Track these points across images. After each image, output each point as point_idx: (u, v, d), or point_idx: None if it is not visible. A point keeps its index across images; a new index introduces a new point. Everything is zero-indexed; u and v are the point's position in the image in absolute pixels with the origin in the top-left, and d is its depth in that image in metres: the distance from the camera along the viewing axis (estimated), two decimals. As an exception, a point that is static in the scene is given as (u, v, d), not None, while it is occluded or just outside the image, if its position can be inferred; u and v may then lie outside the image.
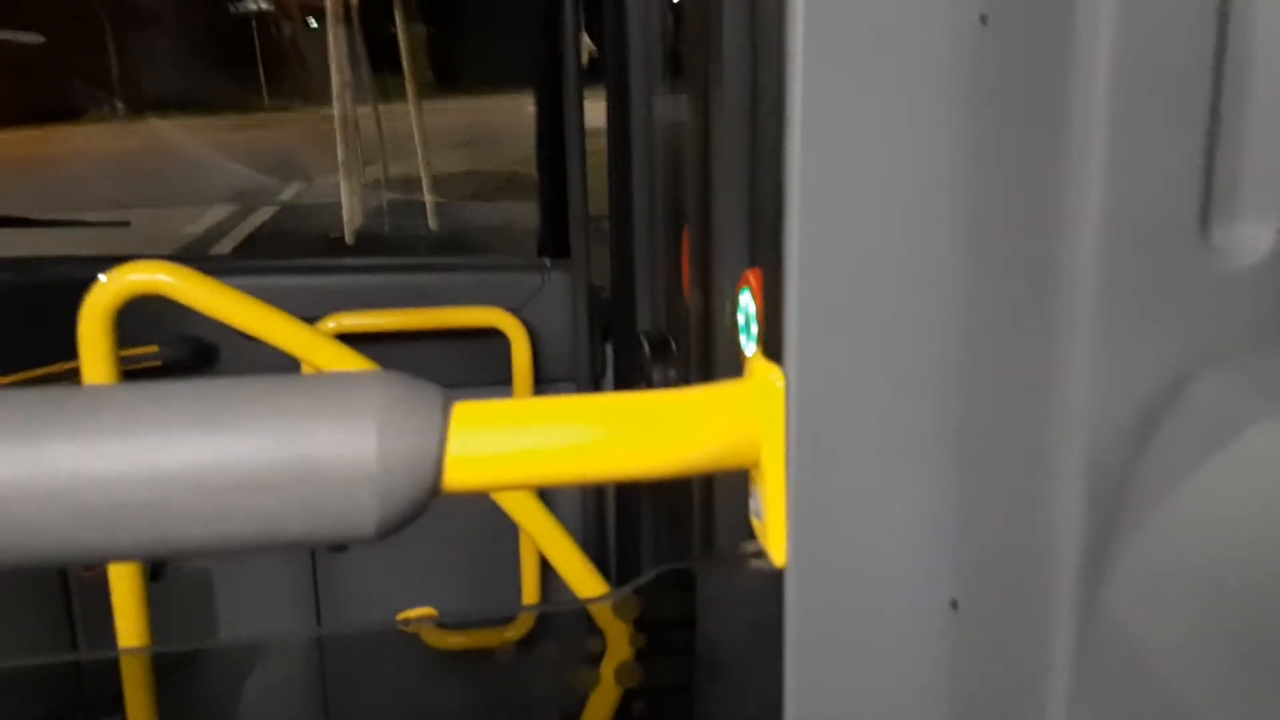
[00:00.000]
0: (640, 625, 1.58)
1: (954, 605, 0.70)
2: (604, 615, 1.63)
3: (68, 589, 2.29)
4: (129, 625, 1.70)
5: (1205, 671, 0.55)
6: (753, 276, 1.17)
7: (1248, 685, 0.53)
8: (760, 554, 0.71)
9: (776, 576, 0.69)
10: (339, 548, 2.39)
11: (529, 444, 0.64)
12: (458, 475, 0.62)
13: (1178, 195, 0.55)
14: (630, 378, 2.14)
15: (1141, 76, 0.54)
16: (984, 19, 0.62)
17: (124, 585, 1.68)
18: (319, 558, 2.46)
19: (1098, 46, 0.53)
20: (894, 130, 0.63)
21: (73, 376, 1.60)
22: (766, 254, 0.70)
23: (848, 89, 0.62)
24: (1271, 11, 0.55)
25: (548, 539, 1.74)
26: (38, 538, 0.57)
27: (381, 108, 11.11)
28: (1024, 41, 0.59)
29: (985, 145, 0.63)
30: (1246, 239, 0.56)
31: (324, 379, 0.62)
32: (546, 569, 2.15)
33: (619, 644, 1.56)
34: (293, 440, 0.58)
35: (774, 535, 0.69)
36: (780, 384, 0.66)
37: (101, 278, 1.54)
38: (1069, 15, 0.54)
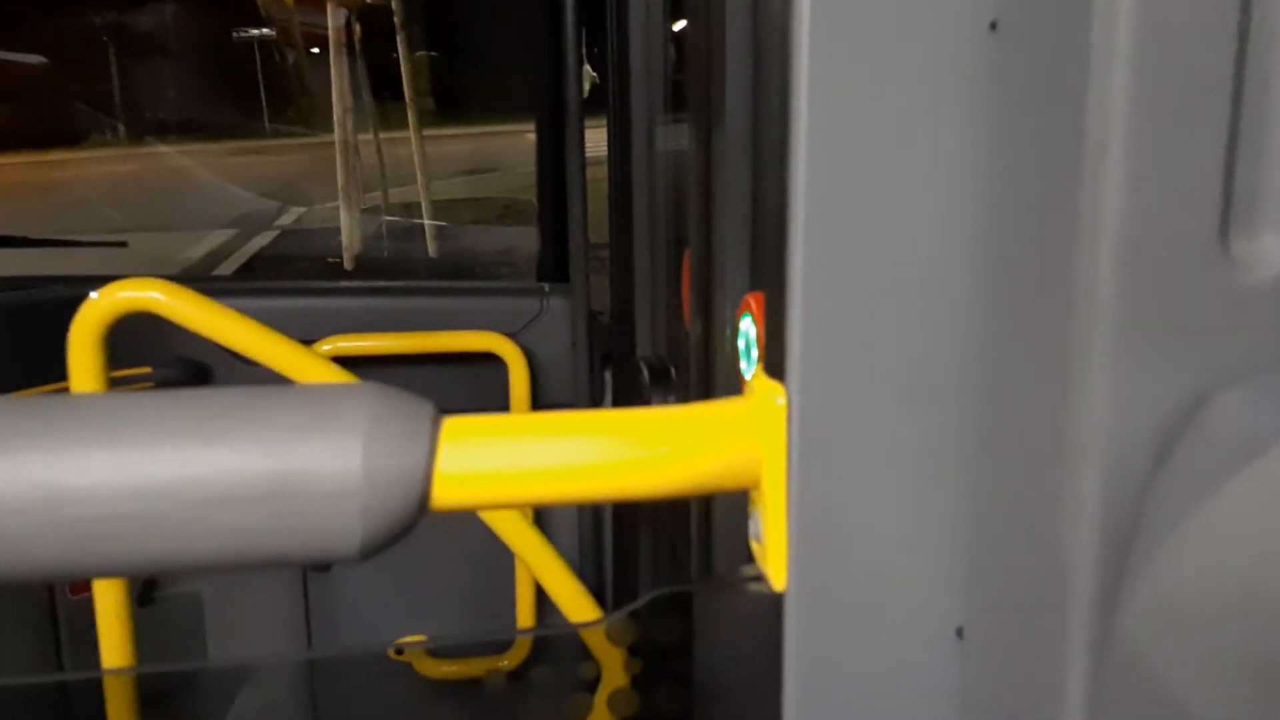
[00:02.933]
0: (636, 651, 1.55)
1: (961, 633, 0.67)
2: (599, 642, 1.60)
3: (55, 615, 2.26)
4: (115, 651, 1.67)
5: (1226, 703, 0.52)
6: (754, 301, 1.15)
7: (1270, 718, 0.51)
8: (759, 578, 0.69)
9: (776, 602, 0.67)
10: (323, 567, 2.37)
11: (522, 460, 0.62)
12: (447, 492, 0.60)
13: (1197, 207, 0.53)
14: (629, 404, 2.13)
15: (1159, 86, 0.52)
16: (994, 26, 0.60)
17: (110, 610, 1.65)
18: (310, 583, 2.43)
19: (1114, 54, 0.52)
20: (901, 145, 0.62)
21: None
22: (769, 274, 0.68)
23: (853, 104, 0.61)
24: None
25: (542, 564, 1.72)
26: (11, 551, 0.55)
27: (382, 135, 11.16)
28: (1037, 49, 0.57)
29: (997, 159, 0.61)
30: (1268, 252, 0.54)
31: (308, 390, 0.60)
32: (542, 595, 2.13)
33: (614, 671, 1.53)
34: (273, 453, 0.56)
35: (774, 559, 0.66)
36: (782, 402, 0.64)
37: (93, 294, 1.52)
38: (1084, 22, 0.53)
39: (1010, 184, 0.60)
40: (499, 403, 2.30)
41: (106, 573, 0.60)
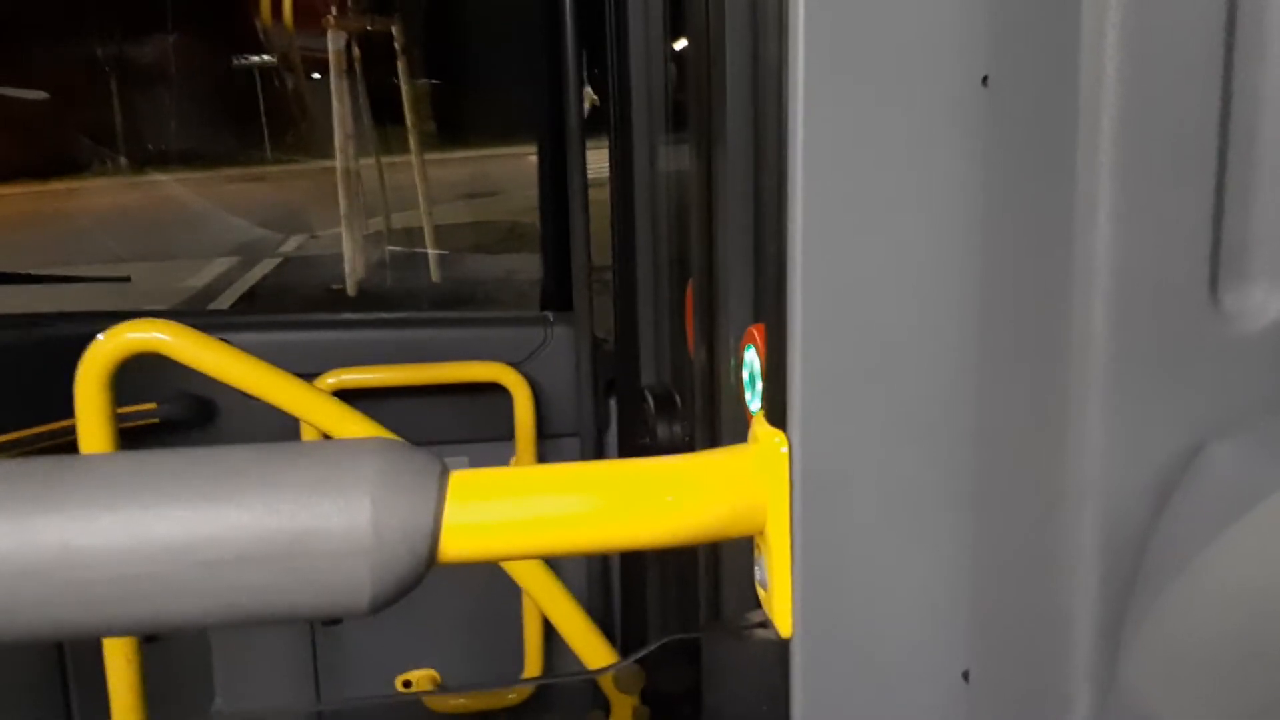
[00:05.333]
0: (644, 696, 1.55)
1: (966, 677, 0.68)
2: (608, 683, 1.60)
3: (62, 650, 2.26)
4: (123, 690, 1.67)
5: None
6: (757, 332, 1.15)
7: None
8: (766, 624, 0.70)
9: (783, 647, 0.68)
10: (332, 621, 2.36)
11: (527, 514, 0.63)
12: (455, 546, 0.61)
13: (1187, 259, 0.54)
14: (634, 432, 2.12)
15: (1147, 138, 0.53)
16: (986, 80, 0.61)
17: (119, 650, 1.65)
18: (317, 622, 2.43)
19: (1102, 108, 0.52)
20: (898, 189, 0.62)
21: (70, 434, 1.58)
22: (770, 312, 0.68)
23: (851, 146, 0.61)
24: (1278, 71, 0.54)
25: (551, 603, 1.72)
26: (27, 613, 0.56)
27: (384, 159, 11.15)
28: (1027, 103, 0.58)
29: (991, 205, 0.62)
30: (1258, 302, 0.55)
31: (318, 448, 0.61)
32: (550, 631, 2.12)
33: (623, 714, 1.53)
34: (283, 512, 0.56)
35: (779, 605, 0.67)
36: (784, 449, 0.65)
37: (99, 336, 1.53)
38: (1072, 77, 0.53)
39: (1003, 232, 0.61)
40: (504, 432, 2.30)
41: (120, 632, 0.60)
